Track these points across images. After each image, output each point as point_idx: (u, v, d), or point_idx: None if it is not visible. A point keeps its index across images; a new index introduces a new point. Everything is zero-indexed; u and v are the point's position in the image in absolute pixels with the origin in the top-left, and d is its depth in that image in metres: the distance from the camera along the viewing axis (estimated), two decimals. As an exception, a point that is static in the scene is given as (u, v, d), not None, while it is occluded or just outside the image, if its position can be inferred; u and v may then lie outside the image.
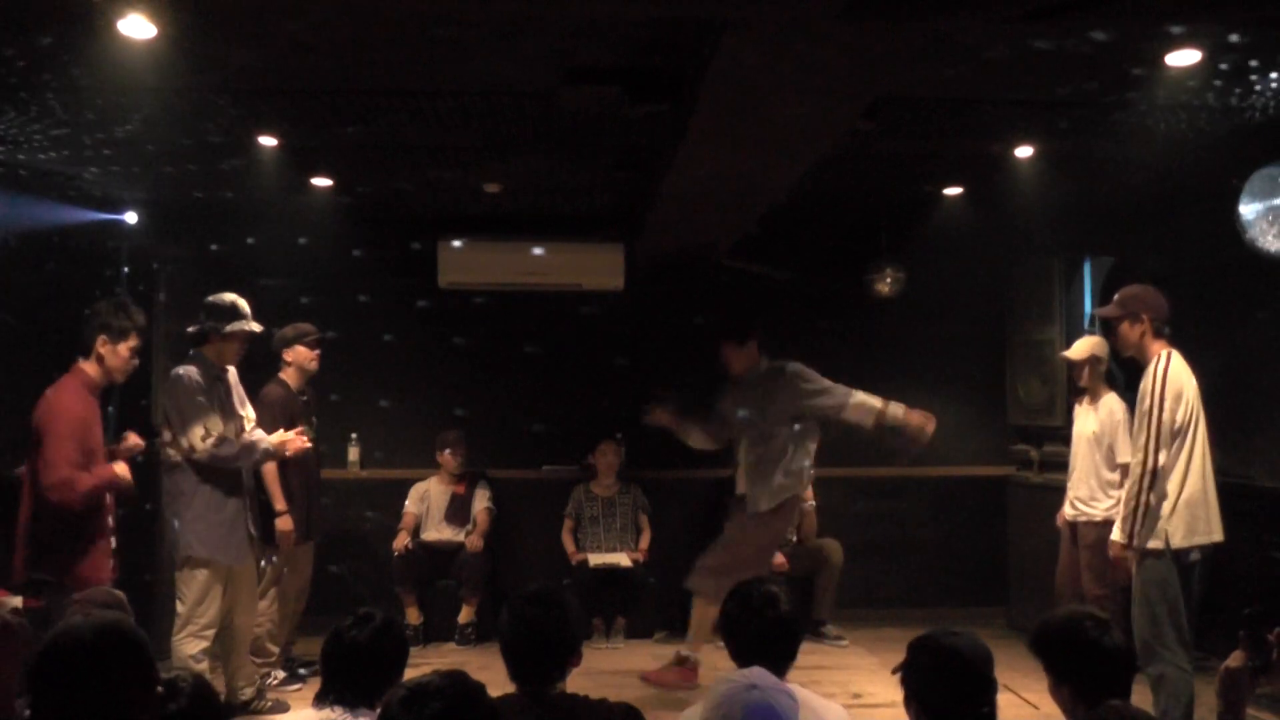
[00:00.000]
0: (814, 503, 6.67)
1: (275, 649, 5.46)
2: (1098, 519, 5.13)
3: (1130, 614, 4.24)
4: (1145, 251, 5.97)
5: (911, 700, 2.37)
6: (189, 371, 4.75)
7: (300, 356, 5.62)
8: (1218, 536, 4.21)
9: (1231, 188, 4.85)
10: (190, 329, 4.94)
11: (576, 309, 7.00)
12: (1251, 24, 3.53)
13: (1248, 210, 4.80)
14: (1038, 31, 3.55)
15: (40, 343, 5.20)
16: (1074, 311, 6.33)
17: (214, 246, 6.62)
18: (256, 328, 4.94)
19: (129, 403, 5.32)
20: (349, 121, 4.69)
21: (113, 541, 4.41)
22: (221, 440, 4.69)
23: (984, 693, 2.33)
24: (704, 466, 6.50)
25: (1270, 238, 4.75)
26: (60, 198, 5.76)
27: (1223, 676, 2.51)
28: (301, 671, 5.55)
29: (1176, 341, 4.31)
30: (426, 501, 6.64)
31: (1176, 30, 3.58)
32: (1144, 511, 4.14)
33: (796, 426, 5.34)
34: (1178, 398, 4.15)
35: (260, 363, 5.49)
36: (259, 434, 4.96)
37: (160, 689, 2.01)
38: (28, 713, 1.91)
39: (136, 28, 3.43)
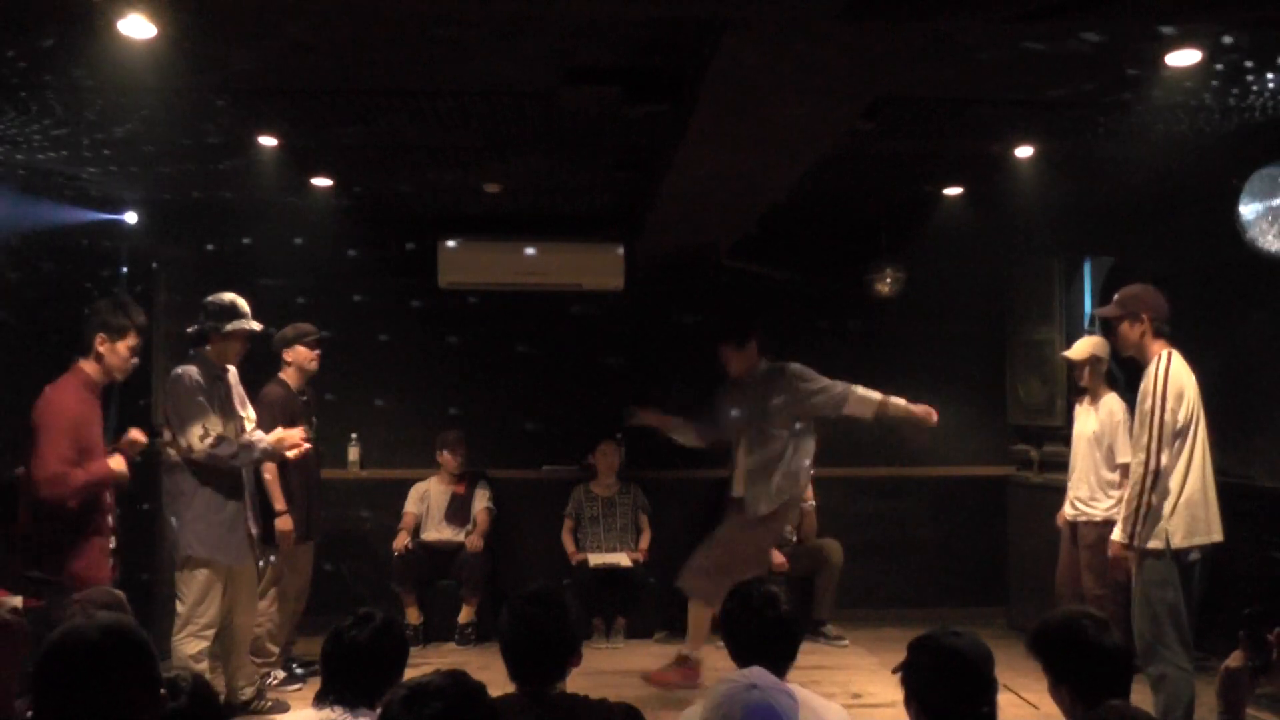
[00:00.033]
0: (814, 503, 6.67)
1: (275, 649, 5.46)
2: (1098, 519, 5.13)
3: (1130, 614, 4.24)
4: (1145, 251, 5.97)
5: (912, 700, 2.37)
6: (189, 371, 4.74)
7: (300, 356, 5.62)
8: (1218, 536, 4.21)
9: (1231, 188, 4.86)
10: (190, 329, 4.94)
11: (576, 309, 7.02)
12: (1251, 24, 3.53)
13: (1248, 210, 4.80)
14: (1038, 32, 3.56)
15: (40, 342, 5.20)
16: (1074, 311, 6.32)
17: (213, 246, 6.66)
18: (256, 326, 4.94)
19: (129, 403, 5.32)
20: (349, 121, 4.69)
21: (112, 541, 4.42)
22: (220, 440, 4.69)
23: (984, 693, 2.33)
24: (704, 467, 6.50)
25: (1270, 238, 4.75)
26: (60, 198, 5.76)
27: (1223, 676, 2.51)
28: (301, 671, 5.55)
29: (1176, 341, 4.31)
30: (426, 501, 6.64)
31: (1176, 30, 3.58)
32: (1146, 512, 4.13)
33: (797, 426, 5.35)
34: (1179, 397, 4.14)
35: (260, 363, 5.49)
36: (258, 434, 4.96)
37: (162, 690, 2.01)
38: (29, 713, 1.91)
39: (136, 28, 3.43)
